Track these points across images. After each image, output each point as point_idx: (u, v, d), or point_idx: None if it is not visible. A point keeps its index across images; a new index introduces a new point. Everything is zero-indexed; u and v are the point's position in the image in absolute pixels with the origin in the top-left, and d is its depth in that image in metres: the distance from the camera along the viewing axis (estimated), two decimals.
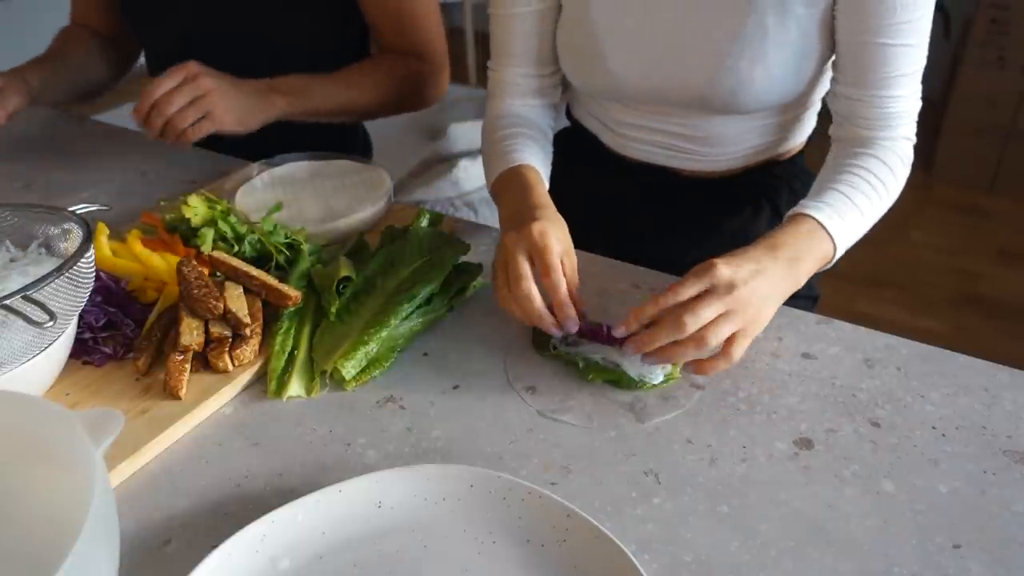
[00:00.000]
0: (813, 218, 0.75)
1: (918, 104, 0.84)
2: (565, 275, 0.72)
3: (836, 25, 0.81)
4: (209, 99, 1.01)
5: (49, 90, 1.16)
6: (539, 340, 0.76)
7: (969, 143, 2.96)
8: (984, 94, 2.87)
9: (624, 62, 0.88)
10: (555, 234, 0.73)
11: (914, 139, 0.85)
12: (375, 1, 1.17)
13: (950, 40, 3.10)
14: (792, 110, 0.93)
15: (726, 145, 0.95)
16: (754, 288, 0.68)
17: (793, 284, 0.73)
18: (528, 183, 0.83)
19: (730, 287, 0.67)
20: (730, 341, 0.68)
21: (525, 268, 0.71)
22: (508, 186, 0.85)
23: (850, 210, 0.77)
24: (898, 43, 0.78)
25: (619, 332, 0.70)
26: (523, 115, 0.96)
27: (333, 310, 0.76)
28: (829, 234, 0.75)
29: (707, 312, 0.66)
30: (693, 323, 0.66)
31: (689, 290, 0.67)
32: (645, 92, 0.90)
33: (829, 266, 0.78)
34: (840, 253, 0.77)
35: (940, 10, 3.03)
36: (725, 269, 0.67)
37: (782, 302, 0.73)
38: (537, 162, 0.88)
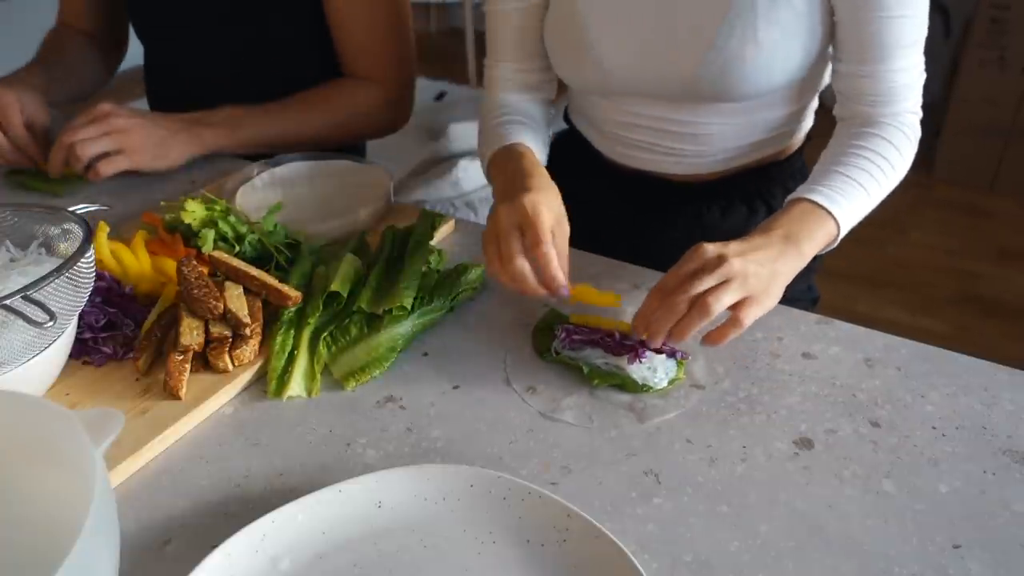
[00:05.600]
0: (808, 199, 0.76)
1: (922, 76, 0.84)
2: (556, 246, 0.72)
3: (833, 2, 0.81)
4: (120, 136, 1.01)
5: (51, 92, 1.15)
6: (540, 344, 0.76)
7: (969, 143, 2.97)
8: (984, 94, 2.87)
9: (611, 51, 0.88)
10: (547, 204, 0.73)
11: (920, 112, 0.85)
12: (339, 19, 1.15)
13: (950, 40, 3.10)
14: (785, 105, 0.92)
15: (717, 143, 0.94)
16: (748, 259, 0.68)
17: (796, 258, 0.72)
18: (519, 154, 0.84)
19: (720, 260, 0.67)
20: (739, 308, 0.67)
21: (516, 246, 0.72)
22: (501, 162, 0.86)
23: (850, 188, 0.78)
24: (896, 15, 0.78)
25: (639, 334, 0.70)
26: (518, 106, 0.97)
27: (311, 321, 0.76)
28: (826, 210, 0.75)
29: (700, 286, 0.67)
30: (685, 301, 0.67)
31: (681, 272, 0.69)
32: (634, 81, 0.90)
33: (834, 245, 0.78)
34: (845, 227, 0.77)
35: (940, 10, 3.04)
36: (710, 246, 0.69)
37: (791, 277, 0.72)
38: (530, 142, 0.88)
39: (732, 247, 0.69)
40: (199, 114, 1.09)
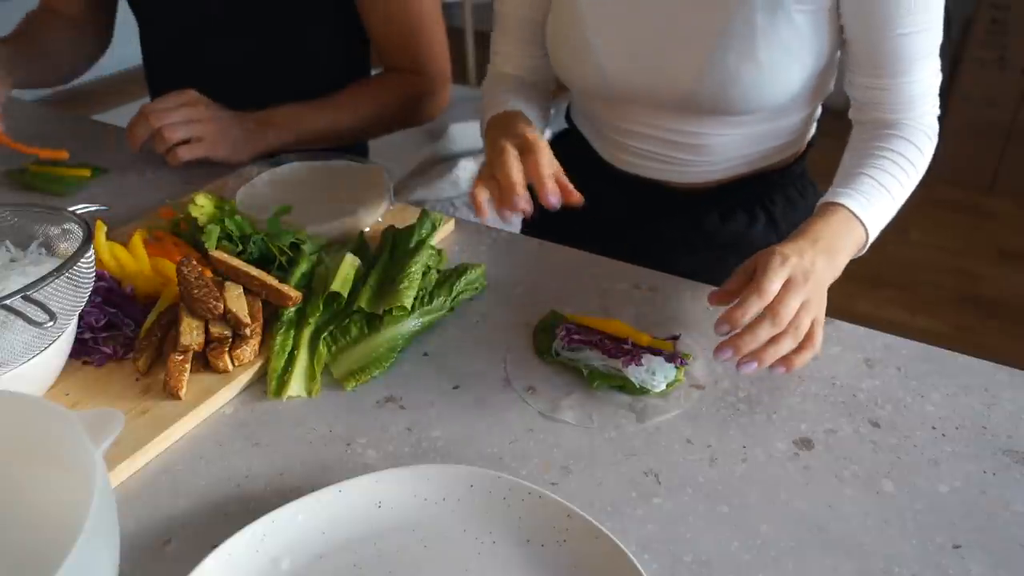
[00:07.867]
0: (845, 207, 0.75)
1: (938, 77, 0.84)
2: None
3: (844, 23, 0.80)
4: (205, 125, 1.05)
5: (16, 70, 1.13)
6: (540, 345, 0.76)
7: (969, 143, 2.96)
8: (984, 94, 2.87)
9: (612, 57, 0.88)
10: (545, 141, 0.78)
11: (937, 111, 0.85)
12: (380, 16, 1.17)
13: (950, 40, 3.10)
14: (787, 116, 0.92)
15: (719, 154, 0.93)
16: (819, 275, 0.69)
17: (833, 274, 0.73)
18: (516, 115, 0.87)
19: (806, 275, 0.67)
20: (811, 329, 0.67)
21: (512, 151, 0.76)
22: (496, 122, 0.87)
23: (880, 196, 0.78)
24: (911, 31, 0.78)
25: (722, 330, 0.65)
26: (524, 80, 1.00)
27: (311, 321, 0.76)
28: (861, 222, 0.75)
29: (795, 302, 0.66)
30: (787, 314, 0.65)
31: (776, 283, 0.66)
32: (634, 88, 0.89)
33: (862, 253, 0.78)
34: (872, 240, 0.77)
35: None
36: (796, 258, 0.67)
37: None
38: (528, 111, 0.90)
39: (807, 260, 0.68)
40: (261, 114, 1.12)
